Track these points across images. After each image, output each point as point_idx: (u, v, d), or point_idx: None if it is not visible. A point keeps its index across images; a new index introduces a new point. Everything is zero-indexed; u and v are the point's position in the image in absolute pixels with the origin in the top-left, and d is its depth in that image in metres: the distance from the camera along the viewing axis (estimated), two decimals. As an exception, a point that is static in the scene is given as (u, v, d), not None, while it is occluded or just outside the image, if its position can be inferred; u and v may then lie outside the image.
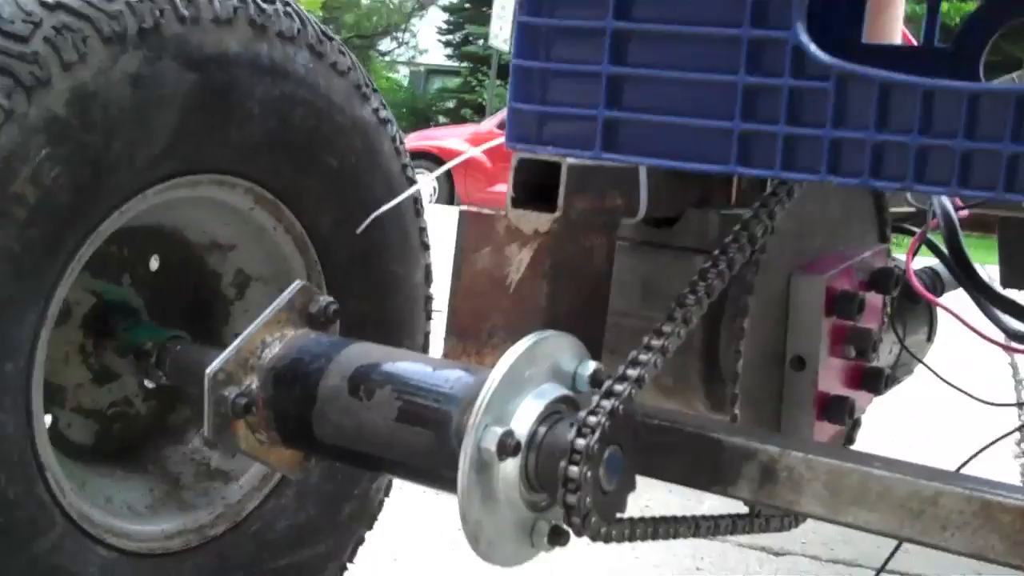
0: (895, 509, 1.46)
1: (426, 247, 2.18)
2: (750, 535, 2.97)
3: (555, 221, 1.57)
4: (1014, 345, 2.31)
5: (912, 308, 2.61)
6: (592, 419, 1.42)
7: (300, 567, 2.01)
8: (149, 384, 2.00)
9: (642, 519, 1.58)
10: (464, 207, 1.65)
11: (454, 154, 15.09)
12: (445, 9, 34.15)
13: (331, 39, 1.91)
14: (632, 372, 1.50)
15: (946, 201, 2.28)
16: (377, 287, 2.07)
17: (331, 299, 1.71)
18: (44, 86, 1.47)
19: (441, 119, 30.83)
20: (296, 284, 1.69)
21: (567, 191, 1.56)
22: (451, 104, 33.40)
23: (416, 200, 2.14)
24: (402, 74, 36.54)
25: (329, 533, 2.06)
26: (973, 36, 1.75)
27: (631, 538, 1.55)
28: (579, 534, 1.47)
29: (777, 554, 2.99)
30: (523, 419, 1.45)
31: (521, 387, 1.46)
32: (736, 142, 1.38)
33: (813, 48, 1.33)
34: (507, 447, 1.41)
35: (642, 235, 1.89)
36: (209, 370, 1.59)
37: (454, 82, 34.53)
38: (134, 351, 1.84)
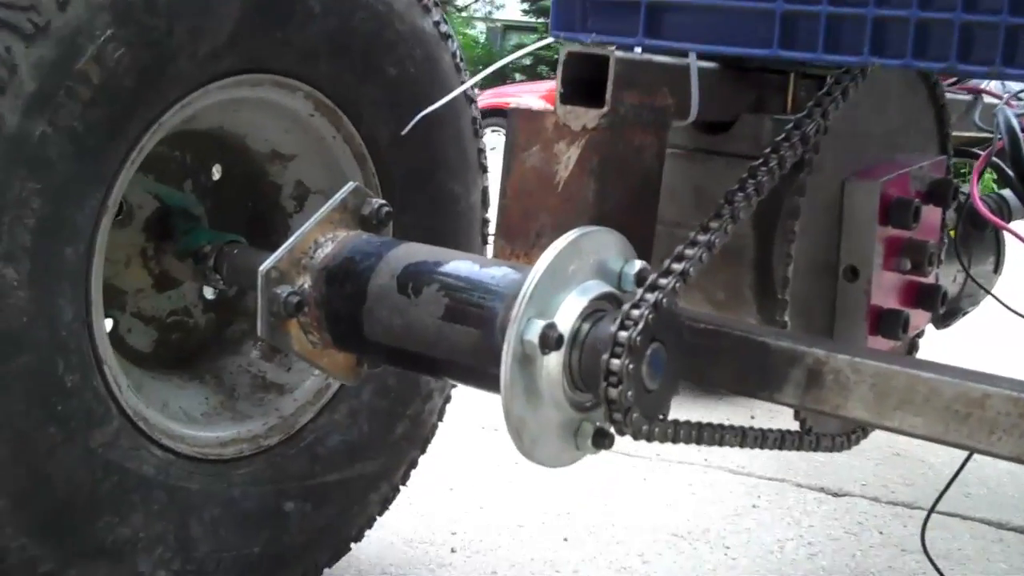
0: (941, 412, 1.43)
1: (484, 169, 2.18)
2: (808, 475, 2.95)
3: (603, 116, 1.56)
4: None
5: (978, 236, 2.56)
6: (635, 312, 1.42)
7: (352, 483, 2.04)
8: (208, 295, 2.04)
9: (687, 422, 1.58)
10: (514, 105, 1.65)
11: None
12: None
13: None
14: (677, 266, 1.50)
15: (1011, 115, 2.22)
16: (434, 203, 2.08)
17: (383, 201, 1.73)
18: None
19: (517, 76, 30.64)
20: (349, 185, 1.71)
21: (615, 86, 1.55)
22: (527, 60, 33.22)
23: (475, 120, 2.15)
24: (479, 30, 36.40)
25: (381, 452, 2.09)
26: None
27: (675, 439, 1.54)
28: (621, 431, 1.47)
29: (835, 495, 2.96)
30: (566, 314, 1.45)
31: (565, 282, 1.46)
32: (779, 24, 1.37)
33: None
34: (550, 340, 1.41)
35: (694, 142, 1.87)
36: (262, 268, 1.61)
37: (531, 38, 34.34)
38: (193, 254, 1.87)
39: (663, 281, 1.46)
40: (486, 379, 1.50)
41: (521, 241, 1.65)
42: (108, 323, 1.88)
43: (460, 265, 1.58)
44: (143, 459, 1.69)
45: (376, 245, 1.66)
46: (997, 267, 2.68)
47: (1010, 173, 2.34)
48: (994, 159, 2.27)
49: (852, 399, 1.48)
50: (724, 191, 1.65)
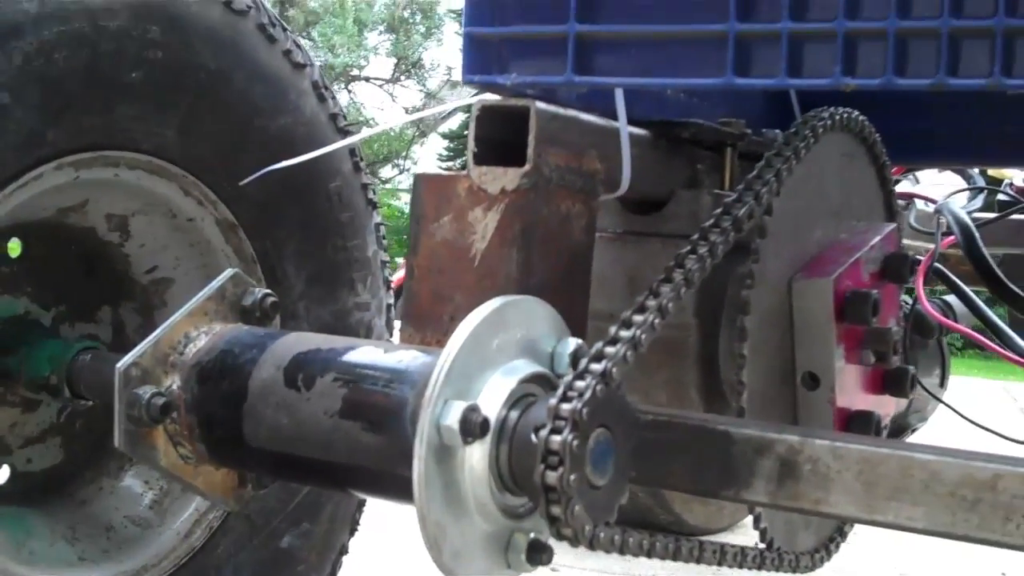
0: (944, 500, 1.19)
1: (388, 284, 1.94)
2: None
3: (525, 176, 1.34)
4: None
5: (924, 346, 2.38)
6: (580, 383, 1.17)
7: None
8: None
9: (638, 530, 1.32)
10: (421, 171, 1.42)
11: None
12: (445, 136, 34.36)
13: None
14: (611, 349, 1.25)
15: (957, 210, 2.06)
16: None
17: (268, 291, 1.47)
18: None
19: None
20: (228, 272, 1.45)
21: (538, 141, 1.34)
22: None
23: (378, 227, 1.92)
24: (403, 201, 36.59)
25: None
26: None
27: (623, 548, 1.27)
28: (560, 532, 1.19)
29: None
30: (491, 398, 1.20)
31: (488, 360, 1.21)
32: (732, 48, 1.16)
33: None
34: (472, 425, 1.15)
35: (624, 224, 1.66)
36: (120, 365, 1.34)
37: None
38: (42, 383, 1.57)
39: (610, 350, 1.22)
40: (396, 485, 1.22)
41: (433, 327, 1.41)
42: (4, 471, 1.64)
43: (360, 352, 1.32)
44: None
45: (259, 336, 1.40)
46: (943, 381, 2.50)
47: (953, 278, 2.18)
48: (936, 264, 2.11)
49: (835, 491, 1.24)
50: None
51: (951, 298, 2.38)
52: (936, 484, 1.20)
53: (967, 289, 2.14)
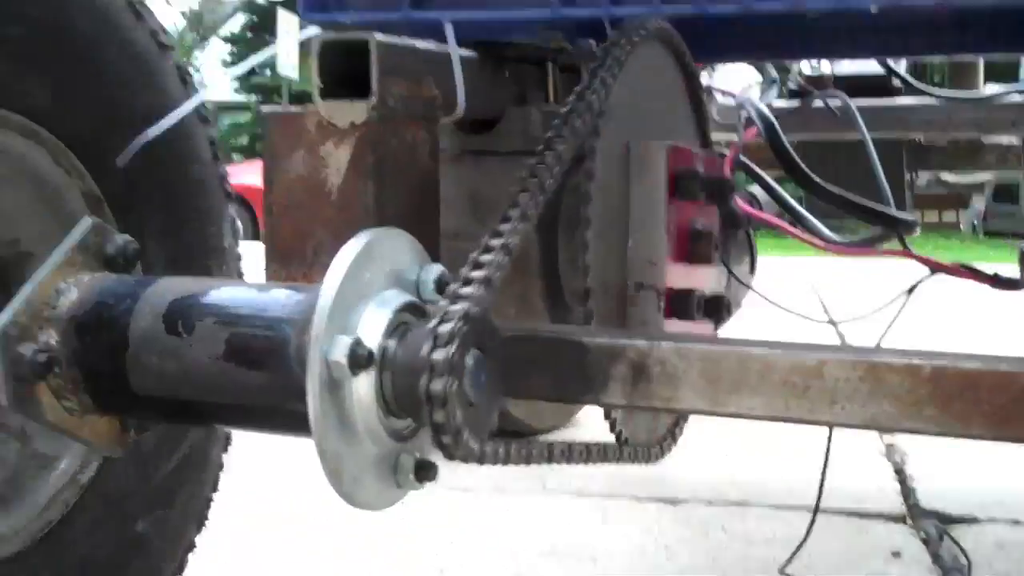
0: (778, 388, 1.35)
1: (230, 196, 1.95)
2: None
3: (373, 108, 1.41)
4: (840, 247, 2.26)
5: (734, 235, 2.56)
6: (445, 328, 1.26)
7: None
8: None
9: (515, 441, 1.44)
10: (267, 109, 1.48)
11: (258, 191, 14.50)
12: (227, 40, 32.95)
13: None
14: (477, 274, 1.35)
15: (758, 103, 2.22)
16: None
17: (129, 238, 1.50)
18: None
19: (236, 157, 29.34)
20: (86, 222, 1.47)
21: (380, 73, 1.41)
22: (245, 140, 32.45)
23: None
24: None
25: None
26: None
27: (505, 460, 1.40)
28: (452, 456, 1.30)
29: (673, 503, 3.13)
30: (370, 330, 1.28)
31: (362, 294, 1.29)
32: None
33: None
34: (360, 357, 1.24)
35: (460, 145, 1.75)
36: (-1, 324, 1.36)
37: (245, 117, 33.38)
38: None
39: (466, 290, 1.31)
40: (288, 419, 1.30)
41: (297, 262, 1.48)
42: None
43: (235, 293, 1.38)
44: None
45: (130, 285, 1.43)
46: (752, 268, 2.69)
47: (756, 169, 2.35)
48: (740, 157, 2.26)
49: (683, 388, 1.38)
50: (502, 192, 1.52)
51: (755, 188, 2.55)
52: (770, 375, 1.34)
53: (770, 179, 2.31)
